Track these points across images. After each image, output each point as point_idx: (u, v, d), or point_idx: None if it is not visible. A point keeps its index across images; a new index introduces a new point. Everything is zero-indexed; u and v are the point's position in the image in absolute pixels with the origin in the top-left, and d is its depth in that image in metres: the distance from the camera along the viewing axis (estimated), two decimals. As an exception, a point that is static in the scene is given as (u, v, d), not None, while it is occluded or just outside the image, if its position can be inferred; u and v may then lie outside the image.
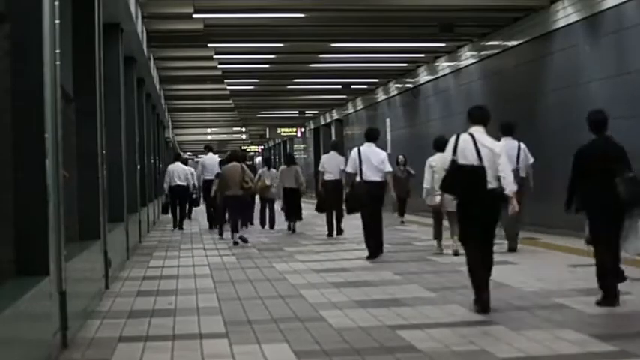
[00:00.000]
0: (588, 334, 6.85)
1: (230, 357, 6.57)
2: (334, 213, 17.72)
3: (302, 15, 17.49)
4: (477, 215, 8.33)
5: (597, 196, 8.29)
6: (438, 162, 10.26)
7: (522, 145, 13.47)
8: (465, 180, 8.29)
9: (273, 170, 20.94)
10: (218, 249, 16.06)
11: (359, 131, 34.61)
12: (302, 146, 50.55)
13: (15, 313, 5.23)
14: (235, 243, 16.47)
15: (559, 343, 6.61)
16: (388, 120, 29.14)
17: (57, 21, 7.12)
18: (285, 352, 6.63)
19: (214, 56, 21.49)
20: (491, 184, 8.24)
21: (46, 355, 6.29)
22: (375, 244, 13.29)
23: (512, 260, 12.19)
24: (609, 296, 8.15)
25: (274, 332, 7.45)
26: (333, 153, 17.73)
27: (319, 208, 18.08)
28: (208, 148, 23.18)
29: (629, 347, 6.39)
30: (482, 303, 8.08)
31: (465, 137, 8.38)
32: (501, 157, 8.36)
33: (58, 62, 7.08)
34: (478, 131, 8.45)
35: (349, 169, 13.66)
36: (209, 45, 19.76)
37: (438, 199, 10.83)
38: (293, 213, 19.33)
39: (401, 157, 22.30)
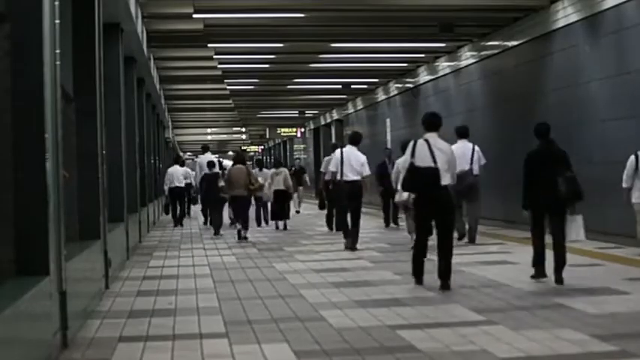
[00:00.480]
0: (588, 334, 6.85)
1: (230, 357, 6.58)
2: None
3: (302, 15, 17.49)
4: (431, 209, 9.75)
5: (540, 197, 9.84)
6: (400, 164, 11.32)
7: (476, 147, 14.85)
8: (422, 179, 9.64)
9: (265, 170, 22.47)
10: (218, 249, 16.07)
11: (359, 131, 34.65)
12: (302, 146, 50.56)
13: (15, 313, 5.23)
14: (245, 238, 17.49)
15: (559, 343, 6.62)
16: (388, 120, 29.16)
17: (57, 21, 7.12)
18: (285, 352, 6.63)
19: (214, 56, 21.50)
20: (445, 181, 9.63)
21: (46, 355, 6.29)
22: (352, 237, 14.60)
23: (512, 260, 12.21)
24: (540, 274, 9.94)
25: (274, 332, 7.45)
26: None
27: (321, 206, 19.47)
28: (205, 148, 24.50)
29: (629, 347, 6.39)
30: (420, 281, 10.00)
31: (421, 142, 9.75)
32: (455, 164, 9.99)
33: (58, 62, 7.08)
34: (432, 136, 9.81)
35: (332, 168, 15.02)
36: (209, 45, 19.76)
37: (405, 195, 11.28)
38: (281, 213, 20.52)
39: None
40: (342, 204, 15.17)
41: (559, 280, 9.67)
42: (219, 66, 23.56)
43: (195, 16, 16.05)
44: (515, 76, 18.29)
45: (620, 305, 8.20)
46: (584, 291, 9.17)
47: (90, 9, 10.77)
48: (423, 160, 9.61)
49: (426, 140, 9.74)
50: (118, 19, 14.14)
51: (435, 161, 9.57)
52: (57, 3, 7.15)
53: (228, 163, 30.55)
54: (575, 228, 9.89)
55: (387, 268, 11.87)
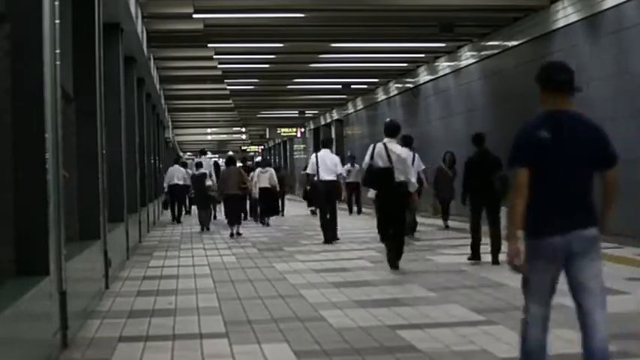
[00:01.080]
0: (588, 334, 6.84)
1: (230, 357, 6.58)
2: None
3: (302, 15, 17.50)
4: (387, 202, 11.60)
5: (475, 196, 12.02)
6: (363, 165, 12.79)
7: (417, 155, 16.52)
8: (379, 177, 11.63)
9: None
10: (218, 249, 16.07)
11: (359, 131, 34.66)
12: (302, 146, 50.54)
13: (15, 313, 5.23)
14: (239, 234, 18.92)
15: (559, 343, 6.61)
16: (388, 120, 29.16)
17: (57, 21, 7.12)
18: (285, 352, 6.63)
19: (214, 56, 21.50)
20: (399, 179, 11.52)
21: (46, 355, 6.29)
22: (331, 232, 16.19)
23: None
24: (475, 257, 12.15)
25: (274, 332, 7.45)
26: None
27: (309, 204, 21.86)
28: (203, 152, 27.75)
29: (629, 347, 6.39)
30: (394, 266, 11.58)
31: (379, 145, 11.75)
32: (407, 164, 11.67)
33: (58, 62, 7.08)
34: (391, 142, 11.76)
35: (309, 171, 17.11)
36: (209, 45, 19.77)
37: (372, 192, 12.31)
38: (267, 209, 22.32)
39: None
40: (320, 202, 16.65)
41: (495, 261, 11.66)
42: (219, 66, 23.57)
43: (195, 16, 16.06)
44: (515, 76, 18.29)
45: (620, 305, 8.19)
46: (584, 291, 9.16)
47: (90, 9, 10.77)
48: (381, 160, 11.60)
49: (384, 144, 11.69)
50: (118, 19, 14.14)
51: (390, 162, 11.53)
52: (57, 3, 7.16)
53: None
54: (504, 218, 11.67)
55: (387, 268, 11.85)
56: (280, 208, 24.83)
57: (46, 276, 6.40)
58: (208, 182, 22.02)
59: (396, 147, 11.75)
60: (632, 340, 6.70)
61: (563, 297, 8.78)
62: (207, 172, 22.94)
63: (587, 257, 4.90)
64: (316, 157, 16.46)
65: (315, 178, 16.29)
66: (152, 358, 6.68)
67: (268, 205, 22.07)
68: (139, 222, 17.68)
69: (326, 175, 16.12)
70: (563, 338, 6.76)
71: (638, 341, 6.70)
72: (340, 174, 16.63)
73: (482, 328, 7.28)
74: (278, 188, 22.50)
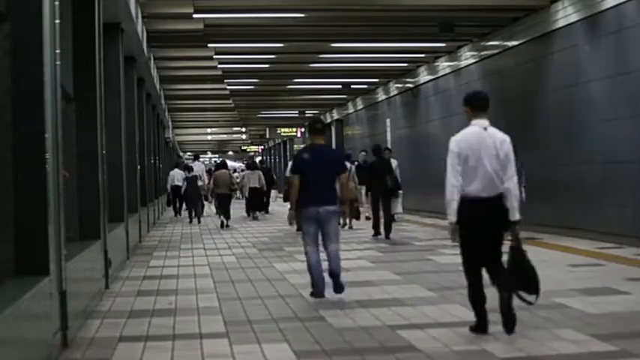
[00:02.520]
0: (588, 334, 6.85)
1: (230, 357, 6.58)
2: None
3: (302, 15, 17.48)
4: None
5: (376, 191, 16.81)
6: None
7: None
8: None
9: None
10: (218, 249, 16.07)
11: (359, 131, 34.63)
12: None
13: (15, 313, 5.23)
14: (227, 226, 22.35)
15: (559, 343, 6.62)
16: (388, 120, 29.15)
17: (57, 21, 7.12)
18: (285, 352, 6.63)
19: (214, 56, 21.49)
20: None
21: (46, 355, 6.29)
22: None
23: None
24: (376, 234, 17.03)
25: (274, 332, 7.45)
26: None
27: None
28: (196, 157, 35.09)
29: (630, 347, 6.39)
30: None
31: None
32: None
33: (58, 62, 7.08)
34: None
35: (287, 174, 18.38)
36: (209, 45, 19.76)
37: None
38: (254, 206, 26.15)
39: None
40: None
41: (387, 237, 16.38)
42: (219, 66, 23.56)
43: (195, 16, 16.04)
44: (515, 76, 18.29)
45: (620, 305, 8.20)
46: (584, 291, 9.17)
47: (90, 9, 10.77)
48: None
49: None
50: (118, 19, 14.14)
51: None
52: (57, 3, 7.15)
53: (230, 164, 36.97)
54: (395, 206, 17.83)
55: (387, 268, 11.87)
56: (265, 206, 28.40)
57: (46, 276, 6.40)
58: (199, 182, 26.26)
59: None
60: (632, 340, 6.70)
61: (563, 297, 8.81)
62: (198, 174, 26.94)
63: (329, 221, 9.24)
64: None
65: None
66: (152, 358, 6.68)
67: (257, 202, 26.17)
68: (139, 222, 17.68)
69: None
70: (564, 338, 6.76)
71: (638, 341, 6.70)
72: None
73: (483, 328, 7.27)
74: (265, 188, 26.40)
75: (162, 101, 31.69)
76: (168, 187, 29.21)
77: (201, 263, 13.59)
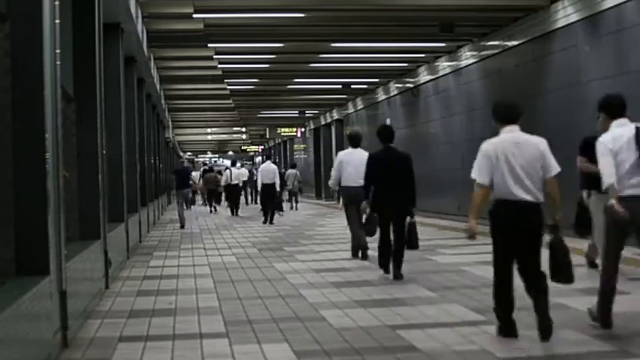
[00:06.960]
0: (588, 334, 6.85)
1: (230, 357, 6.58)
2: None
3: (302, 15, 17.48)
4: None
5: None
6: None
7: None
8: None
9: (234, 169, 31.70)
10: (218, 249, 16.08)
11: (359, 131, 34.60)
12: (302, 146, 50.53)
13: (15, 313, 5.23)
14: (215, 210, 31.70)
15: (559, 343, 6.62)
16: (388, 120, 29.12)
17: (57, 21, 7.12)
18: (285, 352, 6.63)
19: (214, 56, 21.49)
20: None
21: (46, 355, 6.29)
22: (270, 216, 23.40)
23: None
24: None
25: (274, 332, 7.46)
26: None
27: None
28: (191, 162, 39.79)
29: (629, 347, 6.40)
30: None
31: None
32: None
33: (58, 62, 7.08)
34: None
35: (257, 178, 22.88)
36: (209, 45, 19.76)
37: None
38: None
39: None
40: (263, 200, 24.75)
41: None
42: (219, 66, 23.56)
43: (195, 16, 16.05)
44: (515, 76, 18.29)
45: (620, 305, 8.18)
46: (584, 291, 9.17)
47: (90, 9, 10.77)
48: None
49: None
50: (118, 19, 14.14)
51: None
52: (57, 3, 7.15)
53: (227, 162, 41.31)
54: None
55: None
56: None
57: (46, 276, 6.40)
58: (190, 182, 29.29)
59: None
60: (632, 340, 6.70)
61: (563, 297, 8.80)
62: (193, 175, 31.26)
63: None
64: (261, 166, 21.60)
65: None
66: (152, 358, 6.68)
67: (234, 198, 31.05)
68: (139, 222, 17.68)
69: (267, 180, 23.41)
70: (563, 338, 6.77)
71: (638, 341, 6.70)
72: (277, 181, 23.55)
73: (482, 328, 7.28)
74: (241, 184, 31.27)
75: (163, 101, 31.69)
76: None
77: (202, 263, 13.59)
